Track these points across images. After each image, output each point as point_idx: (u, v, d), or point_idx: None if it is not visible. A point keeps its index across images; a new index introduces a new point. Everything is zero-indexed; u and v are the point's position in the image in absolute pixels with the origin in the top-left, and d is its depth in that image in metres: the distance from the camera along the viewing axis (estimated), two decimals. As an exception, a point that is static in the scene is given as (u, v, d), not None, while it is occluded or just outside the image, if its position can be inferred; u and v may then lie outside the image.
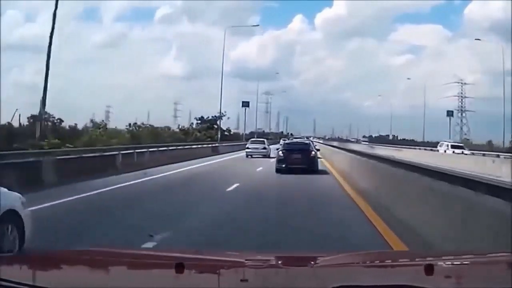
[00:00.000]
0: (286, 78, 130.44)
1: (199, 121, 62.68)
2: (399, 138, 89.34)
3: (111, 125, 46.12)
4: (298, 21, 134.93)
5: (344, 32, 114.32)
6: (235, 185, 13.87)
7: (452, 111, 72.14)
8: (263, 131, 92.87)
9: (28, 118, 35.67)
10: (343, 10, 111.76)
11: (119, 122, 74.93)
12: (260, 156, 32.44)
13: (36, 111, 27.99)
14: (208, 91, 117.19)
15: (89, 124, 42.00)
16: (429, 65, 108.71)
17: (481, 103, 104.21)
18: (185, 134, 52.53)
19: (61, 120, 40.25)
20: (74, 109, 69.27)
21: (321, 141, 69.41)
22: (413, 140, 79.23)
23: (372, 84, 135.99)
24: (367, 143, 71.88)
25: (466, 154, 35.83)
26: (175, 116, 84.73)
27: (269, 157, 30.84)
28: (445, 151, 39.10)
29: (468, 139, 66.66)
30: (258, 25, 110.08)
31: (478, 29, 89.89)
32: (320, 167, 20.27)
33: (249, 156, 32.90)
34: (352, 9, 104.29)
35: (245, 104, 71.20)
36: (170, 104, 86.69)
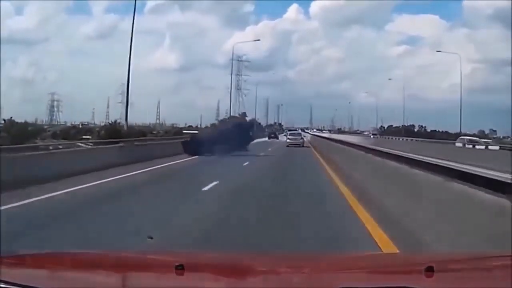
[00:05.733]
0: (282, 69, 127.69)
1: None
2: (427, 130, 72.86)
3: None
4: (293, 10, 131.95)
5: (341, 20, 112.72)
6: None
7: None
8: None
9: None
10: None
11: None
12: None
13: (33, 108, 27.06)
14: (203, 83, 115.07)
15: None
16: (429, 55, 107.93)
17: (476, 93, 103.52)
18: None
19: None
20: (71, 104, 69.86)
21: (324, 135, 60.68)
22: (446, 132, 67.13)
23: (379, 73, 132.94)
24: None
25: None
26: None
27: None
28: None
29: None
30: (259, 40, 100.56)
31: (481, 17, 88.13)
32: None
33: None
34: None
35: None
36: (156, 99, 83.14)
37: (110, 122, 47.80)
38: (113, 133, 28.70)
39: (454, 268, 2.41)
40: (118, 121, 49.65)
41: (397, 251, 5.94)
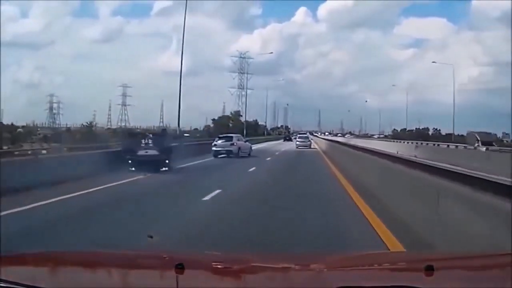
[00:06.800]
0: (289, 72, 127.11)
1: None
2: (442, 133, 68.55)
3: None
4: (301, 13, 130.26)
5: (349, 23, 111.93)
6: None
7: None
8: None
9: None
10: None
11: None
12: None
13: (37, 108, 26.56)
14: (209, 86, 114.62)
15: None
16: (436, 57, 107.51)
17: (484, 95, 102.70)
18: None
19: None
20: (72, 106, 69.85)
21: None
22: (462, 135, 64.77)
23: (386, 75, 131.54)
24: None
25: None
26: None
27: None
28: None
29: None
30: (272, 53, 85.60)
31: (487, 20, 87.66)
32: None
33: None
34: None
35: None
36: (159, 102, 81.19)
37: (86, 123, 46.43)
38: (88, 136, 25.98)
39: (454, 267, 2.41)
40: (94, 123, 48.73)
41: (398, 250, 5.94)
